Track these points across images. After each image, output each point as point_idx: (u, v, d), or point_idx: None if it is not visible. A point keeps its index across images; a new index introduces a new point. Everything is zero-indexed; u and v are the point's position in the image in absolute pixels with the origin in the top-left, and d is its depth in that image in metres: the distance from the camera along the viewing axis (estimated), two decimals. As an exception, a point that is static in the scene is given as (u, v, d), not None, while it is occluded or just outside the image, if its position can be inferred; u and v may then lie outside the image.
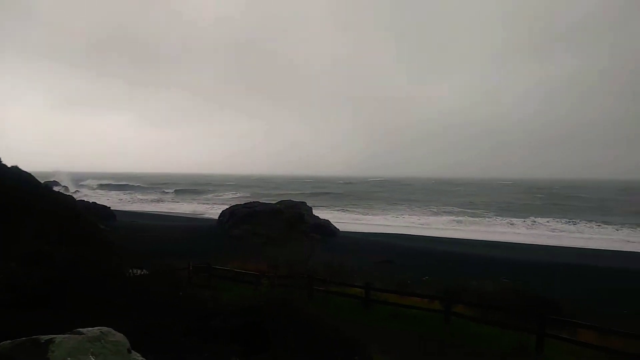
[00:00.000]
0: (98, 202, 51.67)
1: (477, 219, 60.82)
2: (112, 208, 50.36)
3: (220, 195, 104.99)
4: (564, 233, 50.32)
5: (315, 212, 45.78)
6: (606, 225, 53.76)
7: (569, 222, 56.65)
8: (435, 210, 72.68)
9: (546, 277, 24.03)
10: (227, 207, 45.55)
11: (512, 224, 55.85)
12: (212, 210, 66.39)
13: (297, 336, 7.80)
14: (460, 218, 61.10)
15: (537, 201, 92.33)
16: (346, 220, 56.75)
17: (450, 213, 67.98)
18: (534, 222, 56.97)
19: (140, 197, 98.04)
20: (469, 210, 71.29)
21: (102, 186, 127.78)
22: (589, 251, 36.53)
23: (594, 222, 55.79)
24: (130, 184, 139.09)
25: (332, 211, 65.75)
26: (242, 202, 48.38)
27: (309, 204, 46.67)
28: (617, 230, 51.09)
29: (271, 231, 36.18)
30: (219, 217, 43.08)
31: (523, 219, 58.56)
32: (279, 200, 47.06)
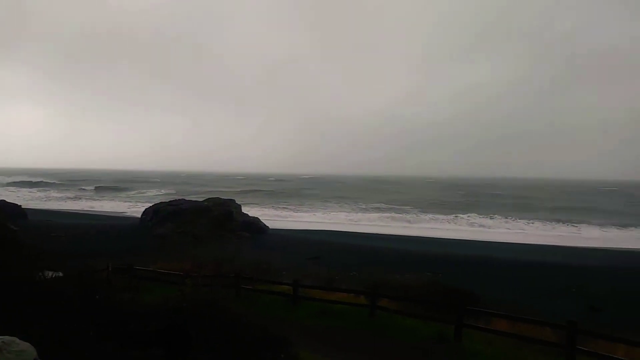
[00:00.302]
0: (7, 200, 47.78)
1: (403, 215, 62.94)
2: (23, 206, 46.80)
3: (144, 193, 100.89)
4: (483, 227, 53.41)
5: (245, 210, 45.25)
6: (520, 220, 57.69)
7: (488, 217, 60.18)
8: (364, 207, 74.31)
9: (466, 269, 25.32)
10: (151, 205, 43.91)
11: (436, 220, 58.37)
12: (134, 208, 63.67)
13: (223, 337, 7.64)
14: (387, 214, 62.95)
15: (458, 198, 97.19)
16: (277, 218, 56.69)
17: (378, 209, 69.84)
18: (457, 217, 59.94)
19: (56, 194, 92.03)
20: (396, 207, 73.61)
21: (13, 183, 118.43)
22: (506, 245, 38.96)
23: (510, 218, 59.66)
24: (46, 180, 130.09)
25: (262, 208, 65.34)
26: (168, 200, 46.85)
27: (239, 201, 46.04)
28: (529, 224, 55.02)
29: (198, 230, 35.30)
30: (142, 215, 41.40)
31: (446, 215, 61.42)
32: (207, 197, 46.00)
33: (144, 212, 41.86)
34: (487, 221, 57.43)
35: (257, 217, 42.29)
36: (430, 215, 61.58)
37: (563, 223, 55.69)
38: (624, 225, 54.29)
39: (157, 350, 6.89)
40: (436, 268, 24.63)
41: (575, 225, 54.51)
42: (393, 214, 63.05)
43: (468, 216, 60.55)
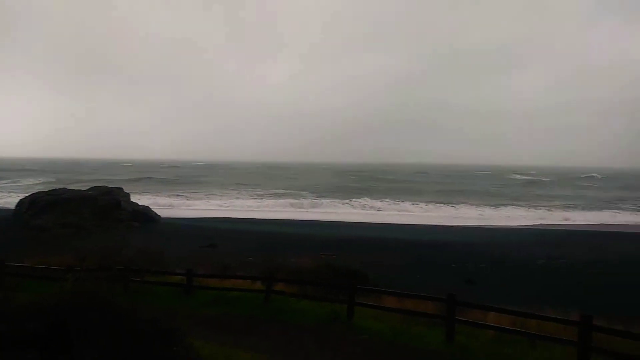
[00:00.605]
0: None
1: (300, 200, 63.84)
2: None
3: (18, 182, 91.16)
4: (375, 210, 56.09)
5: (135, 198, 43.10)
6: (407, 202, 61.45)
7: (379, 200, 63.24)
8: (261, 193, 74.21)
9: (359, 249, 26.48)
10: (27, 195, 39.98)
11: (332, 204, 60.03)
12: (7, 199, 57.32)
13: (108, 333, 7.23)
14: (285, 200, 63.41)
15: (351, 183, 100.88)
16: (170, 206, 54.61)
17: (275, 195, 70.12)
18: (351, 201, 62.19)
19: None
20: (293, 192, 74.52)
21: None
22: (395, 225, 41.31)
23: (398, 200, 63.28)
24: None
25: (154, 197, 62.38)
26: (47, 189, 42.93)
27: (128, 189, 43.67)
28: (415, 206, 58.88)
29: (82, 220, 32.91)
30: (16, 206, 37.57)
31: (341, 199, 63.44)
32: (93, 186, 42.92)
33: (18, 202, 38.04)
34: (378, 204, 60.33)
35: (147, 206, 40.46)
36: (326, 200, 63.18)
37: (444, 204, 60.45)
38: (496, 205, 60.37)
39: (32, 354, 6.34)
40: (331, 250, 25.45)
41: (455, 206, 59.47)
42: (290, 200, 63.66)
43: (361, 200, 63.10)
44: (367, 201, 62.21)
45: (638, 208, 60.39)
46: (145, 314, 8.40)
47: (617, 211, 56.80)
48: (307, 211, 54.05)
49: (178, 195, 67.60)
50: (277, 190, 77.58)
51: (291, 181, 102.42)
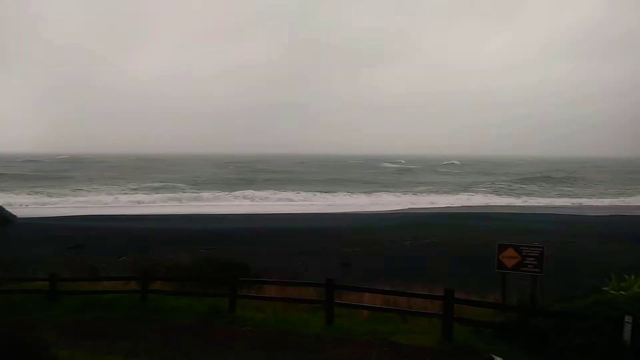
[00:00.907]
0: None
1: (179, 193, 61.42)
2: None
3: None
4: (258, 201, 56.08)
5: (-16, 198, 38.06)
6: (289, 192, 62.41)
7: (262, 191, 63.21)
8: (135, 187, 69.90)
9: (240, 241, 26.31)
10: None
11: (213, 197, 58.60)
12: None
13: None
14: (162, 194, 60.41)
15: (231, 174, 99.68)
16: (28, 205, 49.19)
17: (151, 189, 66.54)
18: (233, 192, 61.30)
19: None
20: (171, 185, 71.47)
21: None
22: (277, 215, 41.70)
23: (281, 191, 63.99)
24: None
25: (9, 194, 55.68)
26: None
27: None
28: (296, 195, 60.09)
29: None
30: None
31: (223, 192, 62.29)
32: None
33: None
34: (261, 194, 60.27)
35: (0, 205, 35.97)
36: (207, 193, 61.56)
37: (323, 192, 62.61)
38: (370, 192, 64.03)
39: None
40: (212, 244, 24.97)
41: (332, 193, 61.89)
42: (168, 194, 60.87)
43: (245, 192, 62.41)
44: (250, 192, 61.82)
45: (489, 191, 68.36)
46: (1, 328, 7.58)
47: (473, 194, 63.78)
48: (186, 205, 52.22)
49: (38, 192, 61.05)
50: (152, 184, 73.64)
51: (167, 174, 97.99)
